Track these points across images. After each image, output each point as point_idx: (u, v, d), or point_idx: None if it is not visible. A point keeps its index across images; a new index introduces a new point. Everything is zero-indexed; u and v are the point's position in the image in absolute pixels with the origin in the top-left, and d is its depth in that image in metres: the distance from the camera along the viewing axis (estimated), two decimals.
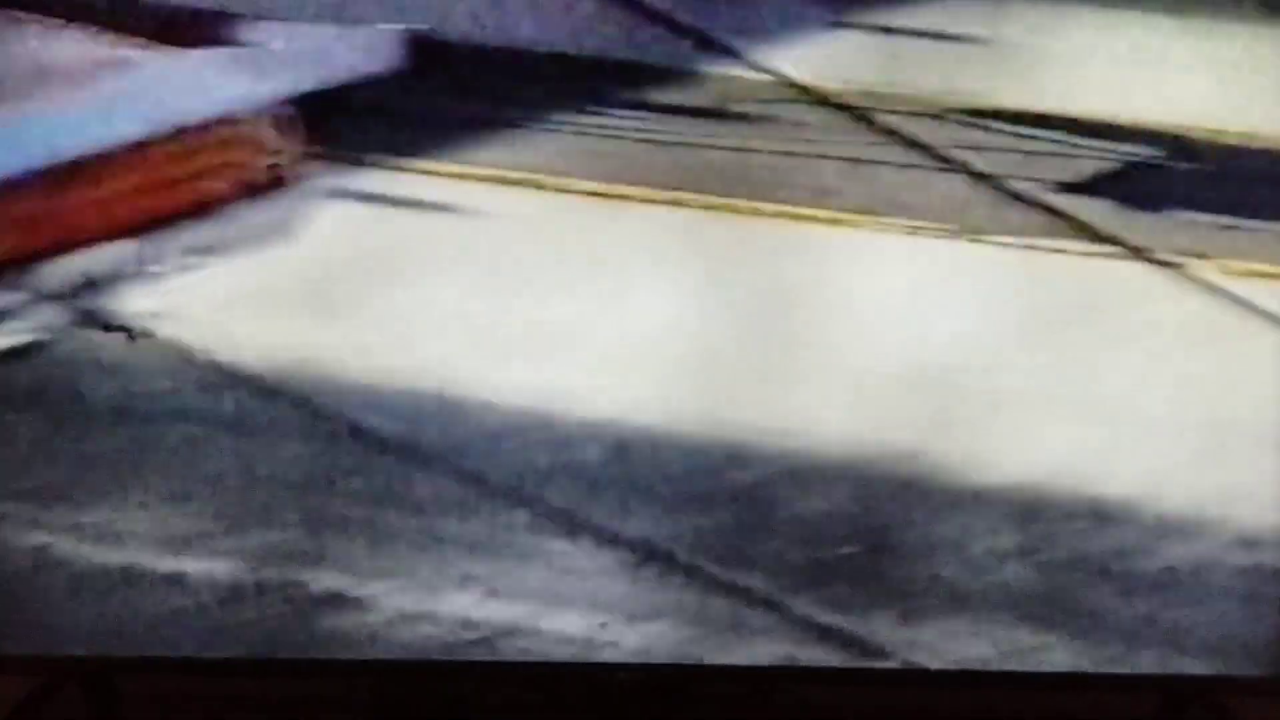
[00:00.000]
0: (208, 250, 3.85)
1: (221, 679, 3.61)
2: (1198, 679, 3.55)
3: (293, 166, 3.88)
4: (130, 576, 3.45)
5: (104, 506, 3.48)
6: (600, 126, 3.65)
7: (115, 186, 3.78)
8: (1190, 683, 3.56)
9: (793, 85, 3.49)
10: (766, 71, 3.50)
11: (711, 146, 3.58)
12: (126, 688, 3.61)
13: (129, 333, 3.65)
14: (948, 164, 3.50)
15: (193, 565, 3.45)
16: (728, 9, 3.60)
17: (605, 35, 3.61)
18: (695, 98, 3.58)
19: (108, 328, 3.66)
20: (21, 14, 3.76)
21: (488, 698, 3.66)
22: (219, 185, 3.92)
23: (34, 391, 3.56)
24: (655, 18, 3.54)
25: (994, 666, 3.51)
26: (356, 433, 3.50)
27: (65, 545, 3.45)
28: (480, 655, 3.47)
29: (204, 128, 3.85)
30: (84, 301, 3.65)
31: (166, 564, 3.44)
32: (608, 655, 3.48)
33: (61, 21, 3.79)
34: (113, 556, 3.45)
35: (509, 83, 3.68)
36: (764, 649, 3.46)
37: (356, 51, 3.78)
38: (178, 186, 3.87)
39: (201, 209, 3.86)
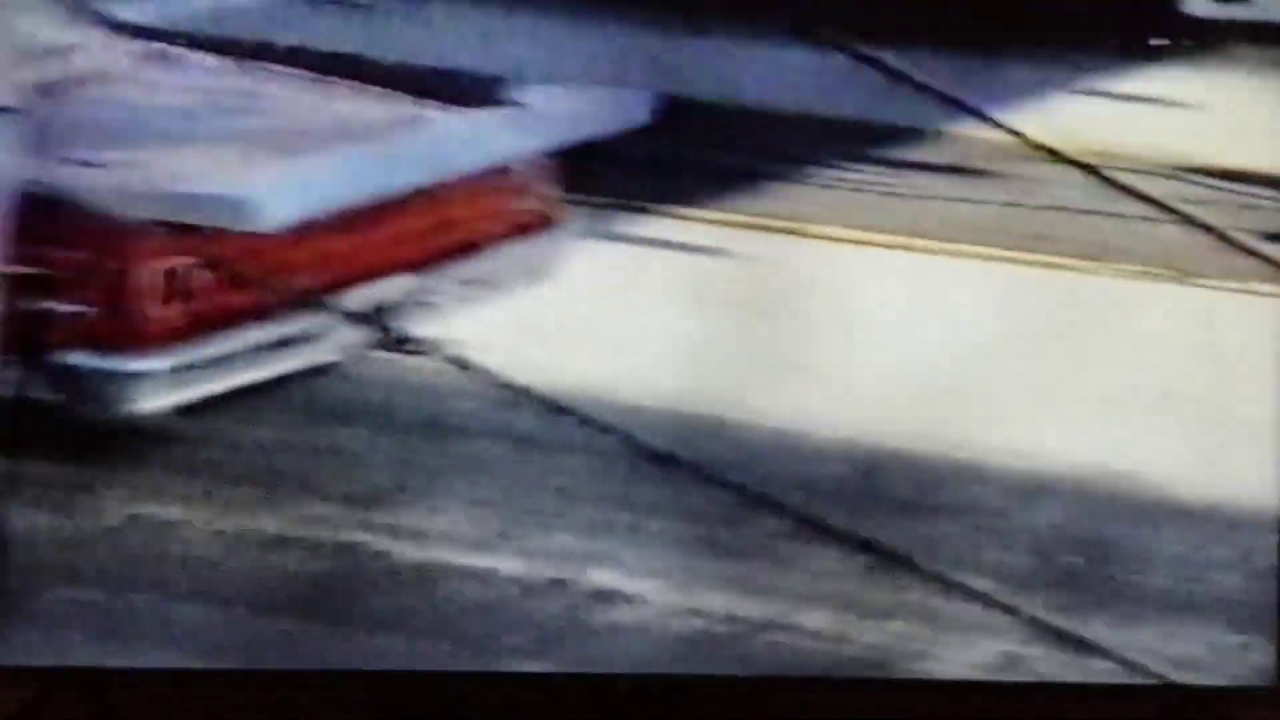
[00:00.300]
0: (482, 283, 4.31)
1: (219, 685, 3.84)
2: (1194, 688, 3.82)
3: (556, 211, 4.34)
4: (436, 571, 3.90)
5: (412, 509, 3.93)
6: (848, 180, 4.10)
7: (404, 226, 4.24)
8: (1186, 691, 3.82)
9: (1030, 144, 3.95)
10: (1006, 131, 3.95)
11: (952, 199, 4.03)
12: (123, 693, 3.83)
13: (417, 354, 4.10)
14: (1169, 215, 3.94)
15: (491, 562, 3.90)
16: (970, 74, 4.04)
17: (854, 96, 4.06)
18: (937, 155, 4.04)
19: (398, 350, 4.12)
20: (333, 78, 4.24)
21: (488, 701, 3.89)
22: (492, 227, 4.38)
23: (338, 406, 4.02)
24: (902, 80, 3.99)
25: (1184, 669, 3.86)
26: (631, 448, 3.94)
27: (380, 543, 3.91)
28: (740, 649, 3.89)
29: (480, 176, 4.32)
30: (377, 326, 4.10)
31: (468, 561, 3.90)
32: (847, 651, 3.89)
33: (366, 84, 4.27)
34: (420, 554, 3.91)
35: (762, 139, 4.14)
36: (991, 646, 3.87)
37: (612, 110, 4.23)
38: (456, 227, 4.33)
39: (476, 247, 4.33)
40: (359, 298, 4.09)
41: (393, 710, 3.87)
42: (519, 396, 3.93)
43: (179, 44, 4.23)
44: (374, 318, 4.09)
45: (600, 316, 4.03)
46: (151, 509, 3.86)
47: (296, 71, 4.24)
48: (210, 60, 4.25)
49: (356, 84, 4.23)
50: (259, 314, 4.00)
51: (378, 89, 4.21)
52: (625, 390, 3.97)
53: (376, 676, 3.82)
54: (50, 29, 3.99)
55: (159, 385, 3.92)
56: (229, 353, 3.99)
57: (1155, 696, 3.84)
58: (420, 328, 4.08)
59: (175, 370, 3.93)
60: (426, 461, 3.94)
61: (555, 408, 3.93)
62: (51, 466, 3.79)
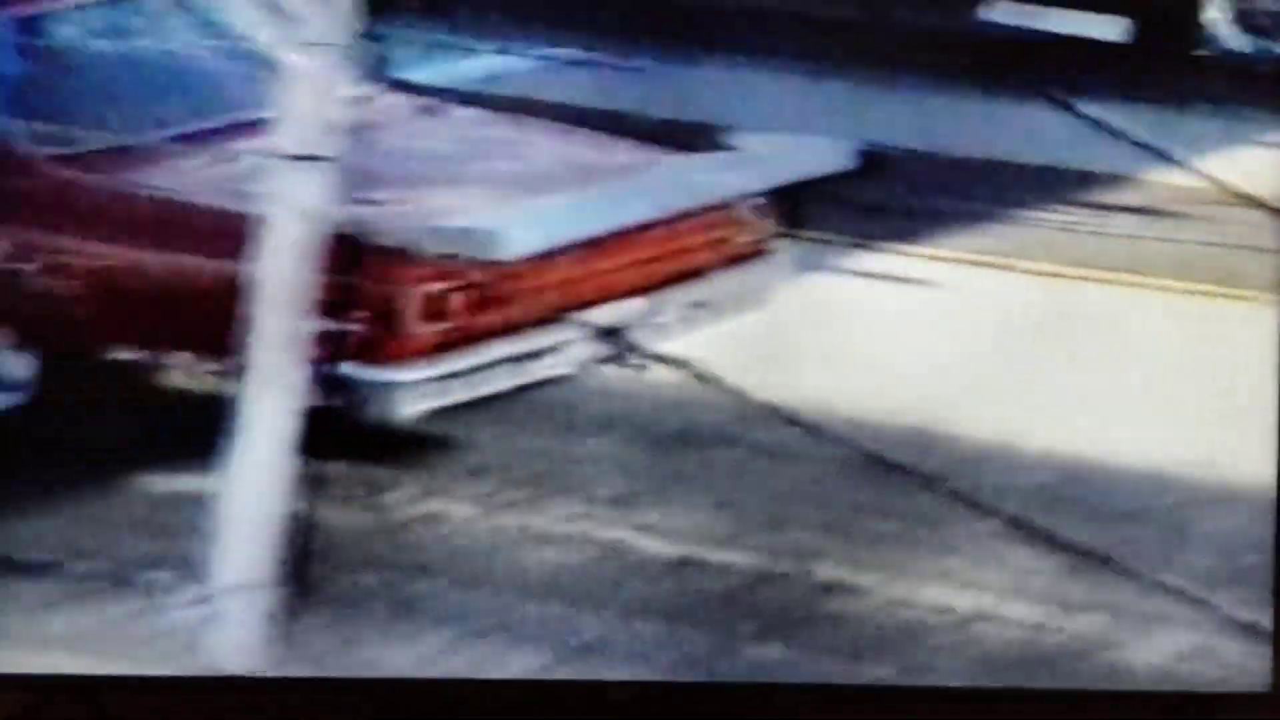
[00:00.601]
0: (702, 308, 4.77)
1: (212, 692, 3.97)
2: (1192, 693, 4.10)
3: (768, 244, 4.80)
4: (685, 564, 4.34)
5: (659, 510, 4.38)
6: (1052, 220, 4.59)
7: (632, 255, 4.71)
8: (1184, 696, 4.10)
9: (1220, 189, 4.42)
10: (1202, 177, 4.42)
11: (1149, 239, 4.51)
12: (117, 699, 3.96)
13: (647, 370, 4.55)
14: None
15: (732, 557, 4.34)
16: (1166, 124, 4.52)
17: (1050, 144, 4.55)
18: (1134, 199, 4.52)
19: (631, 366, 4.57)
20: (576, 127, 4.74)
21: (486, 706, 4.07)
22: (710, 257, 4.84)
23: (583, 416, 4.48)
24: (1099, 129, 4.47)
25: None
26: (857, 457, 4.38)
27: (634, 539, 4.35)
28: (950, 638, 4.31)
29: (699, 212, 4.78)
30: (612, 344, 4.56)
31: (712, 556, 4.34)
32: (1050, 640, 4.31)
33: (605, 133, 4.75)
34: (670, 549, 4.35)
35: (965, 183, 4.62)
36: (1183, 638, 4.29)
37: (820, 155, 4.70)
38: (679, 257, 4.79)
39: (698, 275, 4.78)
40: (594, 318, 4.55)
41: (389, 716, 4.03)
42: (752, 409, 4.38)
43: (446, 99, 4.75)
44: (609, 336, 4.55)
45: (811, 339, 4.49)
46: (439, 506, 4.33)
47: (544, 122, 4.74)
48: (471, 112, 4.76)
49: (597, 133, 4.72)
50: (505, 332, 4.48)
51: (615, 137, 4.70)
52: (847, 405, 4.43)
53: (371, 683, 4.04)
54: (345, 87, 4.48)
55: (418, 394, 4.38)
56: (478, 366, 4.46)
57: (1154, 700, 4.09)
58: (650, 345, 4.54)
59: (432, 380, 4.40)
60: (669, 467, 4.39)
61: (786, 419, 4.38)
62: (351, 468, 4.27)
